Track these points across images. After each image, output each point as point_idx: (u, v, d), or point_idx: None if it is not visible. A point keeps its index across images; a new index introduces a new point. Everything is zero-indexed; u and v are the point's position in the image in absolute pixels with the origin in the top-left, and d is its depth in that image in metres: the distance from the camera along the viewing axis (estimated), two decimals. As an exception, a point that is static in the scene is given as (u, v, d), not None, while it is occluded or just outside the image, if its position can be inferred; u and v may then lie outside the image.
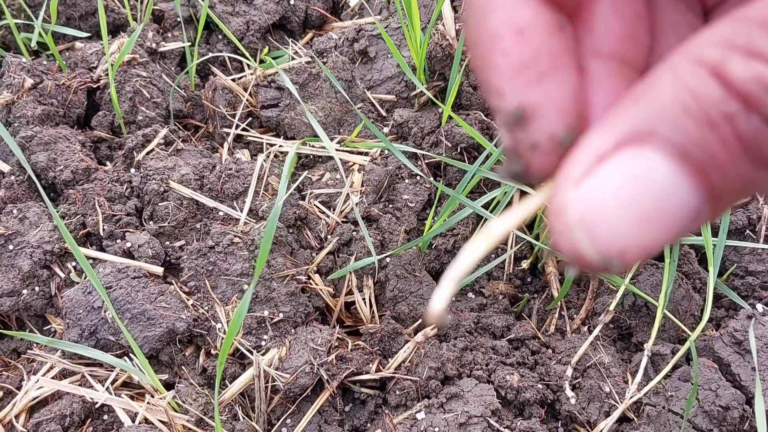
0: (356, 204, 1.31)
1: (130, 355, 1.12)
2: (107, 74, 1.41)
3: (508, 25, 0.30)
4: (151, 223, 1.25)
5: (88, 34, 1.56)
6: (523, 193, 1.26)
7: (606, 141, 0.28)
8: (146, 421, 1.06)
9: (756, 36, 0.25)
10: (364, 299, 1.25)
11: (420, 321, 1.23)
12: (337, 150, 1.41)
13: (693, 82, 0.26)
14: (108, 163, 1.38)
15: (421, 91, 1.47)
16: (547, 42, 0.31)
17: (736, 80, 0.25)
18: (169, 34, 1.60)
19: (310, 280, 1.24)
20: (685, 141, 0.26)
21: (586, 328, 1.27)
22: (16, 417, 1.08)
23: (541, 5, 0.31)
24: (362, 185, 1.33)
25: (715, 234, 1.27)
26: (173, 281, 1.20)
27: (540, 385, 1.14)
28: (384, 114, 1.49)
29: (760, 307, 1.28)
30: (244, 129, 1.47)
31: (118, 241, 1.23)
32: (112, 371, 1.12)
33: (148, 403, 1.07)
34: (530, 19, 0.31)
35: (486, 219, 1.22)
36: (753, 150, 0.26)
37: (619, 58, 0.33)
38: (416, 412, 1.09)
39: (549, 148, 0.31)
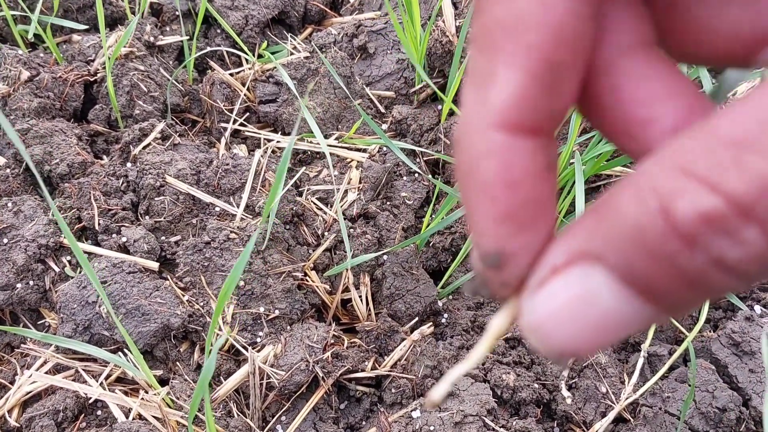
0: (354, 201, 1.30)
1: (125, 350, 1.11)
2: (104, 67, 1.40)
3: (501, 176, 0.31)
4: (146, 217, 1.24)
5: (86, 27, 1.55)
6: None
7: (560, 256, 0.30)
8: (140, 416, 1.06)
9: (716, 160, 0.25)
10: (360, 297, 1.24)
11: (416, 319, 1.22)
12: (335, 146, 1.40)
13: (641, 214, 0.26)
14: (104, 157, 1.37)
15: (421, 88, 1.46)
16: (534, 191, 0.32)
17: (680, 218, 0.25)
18: (168, 28, 1.59)
19: (307, 277, 1.23)
20: (629, 269, 0.28)
21: (583, 327, 1.26)
22: (9, 412, 1.07)
23: (535, 146, 0.31)
24: (360, 182, 1.32)
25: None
26: (168, 276, 1.19)
27: (536, 385, 1.14)
28: (383, 110, 1.49)
29: (758, 308, 1.28)
30: (241, 124, 1.46)
31: (114, 235, 1.22)
32: (106, 366, 1.11)
33: (142, 398, 1.07)
34: (523, 170, 0.31)
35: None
36: (698, 285, 0.27)
37: (642, 43, 0.33)
38: (412, 411, 1.09)
39: (516, 287, 0.33)
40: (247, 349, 1.12)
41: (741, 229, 0.25)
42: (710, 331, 1.25)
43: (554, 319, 0.30)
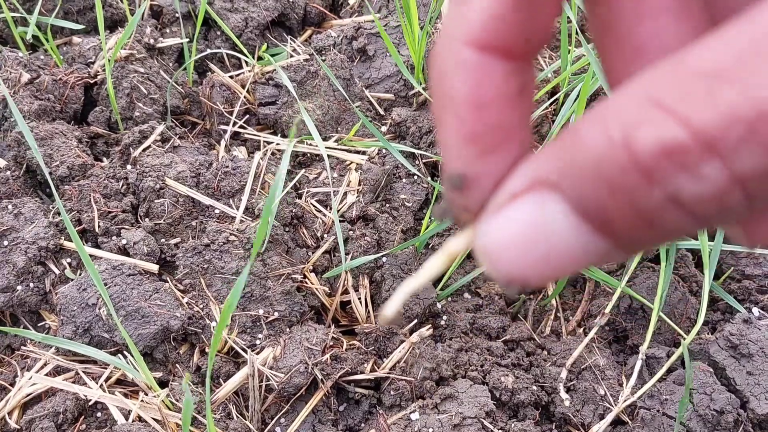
0: (353, 203, 1.30)
1: (124, 352, 1.12)
2: (104, 70, 1.40)
3: (470, 96, 0.31)
4: (146, 220, 1.24)
5: (86, 29, 1.56)
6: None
7: (521, 182, 0.30)
8: (140, 418, 1.06)
9: (687, 91, 0.24)
10: (360, 299, 1.25)
11: (415, 321, 1.23)
12: (334, 148, 1.40)
13: (602, 144, 0.26)
14: (104, 159, 1.37)
15: (419, 91, 1.46)
16: (504, 115, 0.31)
17: (640, 149, 0.24)
18: (167, 30, 1.59)
19: (306, 279, 1.24)
20: (586, 201, 0.27)
21: (581, 330, 1.27)
22: (9, 414, 1.07)
23: (508, 69, 0.31)
24: (359, 184, 1.33)
25: (711, 237, 1.26)
26: (168, 279, 1.19)
27: (535, 387, 1.14)
28: (382, 113, 1.49)
29: (756, 311, 1.28)
30: (241, 126, 1.47)
31: (114, 238, 1.22)
32: (106, 368, 1.12)
33: (142, 400, 1.07)
34: (493, 92, 0.31)
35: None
36: (653, 223, 0.26)
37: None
38: (410, 413, 1.09)
39: (477, 211, 0.32)
40: (246, 352, 1.13)
41: (701, 164, 0.24)
42: (708, 334, 1.25)
43: (507, 245, 0.29)
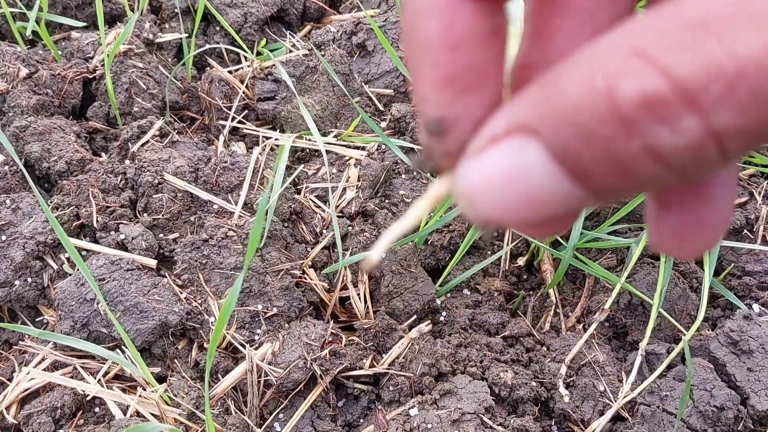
0: (352, 199, 1.30)
1: (123, 347, 1.11)
2: (103, 65, 1.40)
3: (442, 39, 0.30)
4: (145, 215, 1.24)
5: (85, 24, 1.55)
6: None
7: (501, 125, 0.30)
8: (138, 414, 1.06)
9: (672, 42, 0.24)
10: (358, 294, 1.24)
11: (415, 316, 1.22)
12: (333, 144, 1.40)
13: (583, 93, 0.26)
14: (103, 154, 1.37)
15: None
16: (478, 55, 0.31)
17: (621, 100, 0.24)
18: (167, 26, 1.59)
19: (305, 275, 1.23)
20: (563, 148, 0.27)
21: (581, 326, 1.26)
22: (7, 408, 1.07)
23: (478, 9, 0.31)
24: (358, 180, 1.32)
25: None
26: (166, 274, 1.19)
27: (534, 383, 1.14)
28: (381, 108, 1.49)
29: (756, 307, 1.28)
30: (240, 122, 1.46)
31: (112, 233, 1.22)
32: (104, 364, 1.11)
33: (140, 396, 1.07)
34: (465, 32, 0.31)
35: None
36: (630, 173, 0.26)
37: (596, 19, 0.33)
38: (409, 408, 1.09)
39: (459, 155, 0.32)
40: (245, 347, 1.12)
41: (681, 116, 0.24)
42: (708, 330, 1.25)
43: (485, 188, 0.30)
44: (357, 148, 1.40)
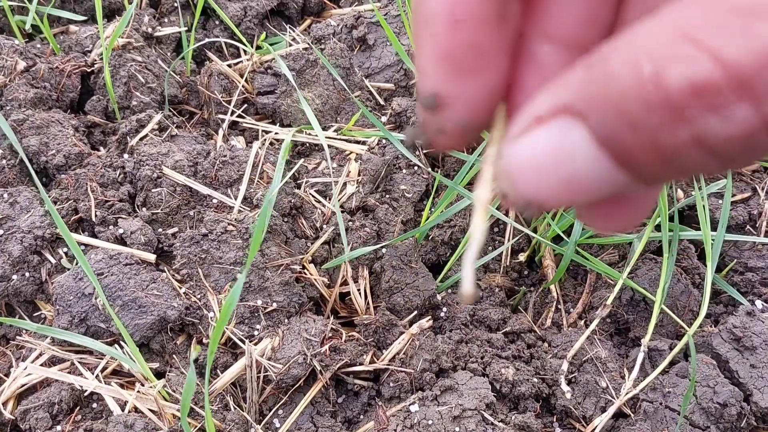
0: (352, 194, 1.29)
1: (121, 342, 1.11)
2: (102, 58, 1.39)
3: (445, 13, 0.30)
4: (143, 209, 1.23)
5: (84, 18, 1.54)
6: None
7: (546, 106, 0.29)
8: (136, 409, 1.05)
9: (723, 26, 0.23)
10: (359, 290, 1.23)
11: (415, 312, 1.21)
12: (334, 138, 1.39)
13: (631, 78, 0.25)
14: (101, 148, 1.36)
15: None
16: (480, 36, 0.31)
17: (671, 87, 0.24)
18: (166, 19, 1.57)
19: (305, 270, 1.22)
20: (609, 134, 0.27)
21: (582, 322, 1.26)
22: (4, 404, 1.06)
23: None
24: (359, 174, 1.31)
25: (714, 229, 1.25)
26: (165, 269, 1.18)
27: (535, 379, 1.13)
28: (382, 103, 1.48)
29: (759, 303, 1.27)
30: (239, 116, 1.45)
31: (111, 227, 1.21)
32: (101, 359, 1.11)
33: (138, 391, 1.06)
34: (469, 10, 0.30)
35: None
36: (676, 162, 0.26)
37: (572, 43, 0.33)
38: (410, 405, 1.08)
39: (452, 133, 0.33)
40: (244, 342, 1.11)
41: (733, 104, 0.23)
42: (711, 326, 1.24)
43: (528, 168, 0.30)
44: (358, 142, 1.39)
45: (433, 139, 0.34)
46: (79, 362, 1.10)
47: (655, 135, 0.25)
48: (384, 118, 1.43)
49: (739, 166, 0.26)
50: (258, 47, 1.58)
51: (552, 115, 0.29)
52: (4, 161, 1.27)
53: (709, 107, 0.23)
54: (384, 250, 1.24)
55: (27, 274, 1.15)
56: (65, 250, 1.20)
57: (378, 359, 1.15)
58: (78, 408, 1.07)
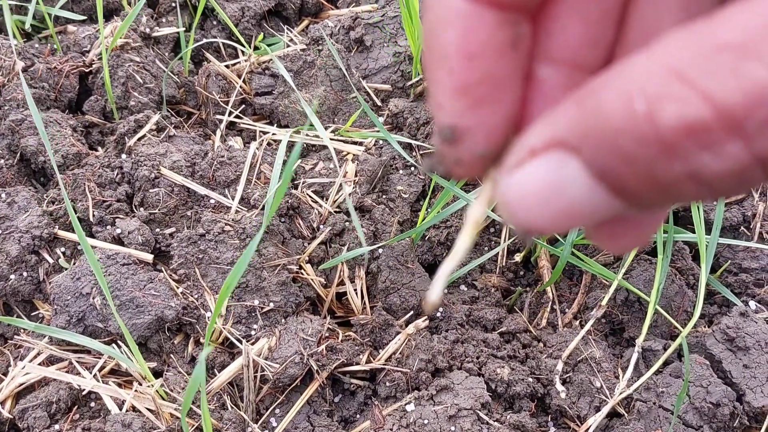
0: (349, 194, 1.30)
1: (118, 342, 1.11)
2: (100, 58, 1.39)
3: (459, 49, 0.31)
4: (141, 209, 1.24)
5: (82, 18, 1.54)
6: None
7: (540, 138, 0.30)
8: (134, 408, 1.05)
9: (712, 66, 0.24)
10: (355, 290, 1.24)
11: (411, 312, 1.22)
12: (331, 139, 1.40)
13: (625, 116, 0.26)
14: (99, 148, 1.36)
15: (417, 81, 1.46)
16: (495, 67, 0.31)
17: (664, 125, 0.24)
18: (164, 20, 1.58)
19: (302, 270, 1.23)
20: (604, 167, 0.28)
21: (577, 322, 1.26)
22: (2, 403, 1.07)
23: (498, 19, 0.31)
24: (356, 175, 1.32)
25: (708, 230, 1.26)
26: (163, 269, 1.19)
27: (530, 379, 1.14)
28: (379, 104, 1.48)
29: (752, 304, 1.28)
30: (237, 116, 1.46)
31: (108, 227, 1.21)
32: (99, 358, 1.11)
33: (136, 390, 1.06)
34: (482, 43, 0.31)
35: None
36: (670, 192, 0.26)
37: (574, 65, 0.34)
38: (406, 404, 1.08)
39: (470, 164, 0.33)
40: (241, 342, 1.12)
41: (725, 143, 0.24)
42: (705, 327, 1.25)
43: (526, 199, 0.31)
44: (355, 143, 1.39)
45: (450, 169, 0.34)
46: (77, 361, 1.10)
47: (650, 168, 0.26)
48: (381, 119, 1.44)
49: (734, 195, 0.27)
50: (256, 48, 1.58)
51: (545, 149, 0.30)
52: (2, 161, 1.27)
53: (701, 145, 0.24)
54: (380, 251, 1.25)
55: (25, 274, 1.16)
56: (63, 250, 1.20)
57: (374, 359, 1.16)
58: (76, 407, 1.07)
